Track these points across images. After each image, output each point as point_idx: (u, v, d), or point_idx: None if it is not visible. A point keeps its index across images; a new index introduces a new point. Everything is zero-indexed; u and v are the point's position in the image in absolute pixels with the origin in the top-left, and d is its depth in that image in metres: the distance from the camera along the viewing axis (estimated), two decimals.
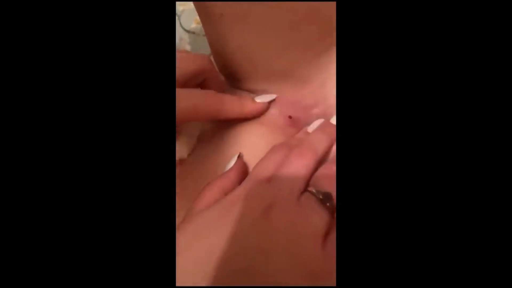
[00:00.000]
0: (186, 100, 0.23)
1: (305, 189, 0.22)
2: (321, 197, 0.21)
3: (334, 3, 0.20)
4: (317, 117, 0.28)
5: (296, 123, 0.29)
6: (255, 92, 0.30)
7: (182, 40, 0.61)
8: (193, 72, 0.24)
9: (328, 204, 0.21)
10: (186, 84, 0.24)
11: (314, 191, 0.21)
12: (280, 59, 0.26)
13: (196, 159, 0.29)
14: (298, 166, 0.23)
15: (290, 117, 0.29)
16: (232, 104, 0.26)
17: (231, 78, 0.31)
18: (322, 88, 0.28)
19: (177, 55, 0.24)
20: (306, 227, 0.19)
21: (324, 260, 0.18)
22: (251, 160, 0.26)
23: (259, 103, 0.27)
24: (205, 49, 0.59)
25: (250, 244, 0.18)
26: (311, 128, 0.27)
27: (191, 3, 0.62)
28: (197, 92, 0.25)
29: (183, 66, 0.24)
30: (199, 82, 0.26)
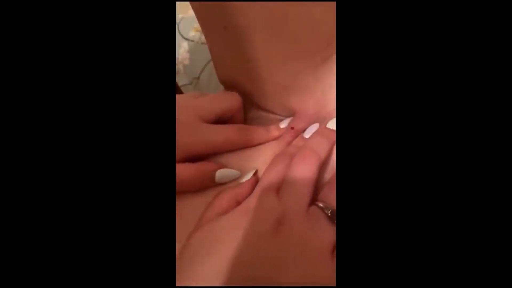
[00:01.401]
0: (220, 134, 0.26)
1: (313, 195, 0.22)
2: (329, 214, 0.21)
3: (334, 14, 0.20)
4: (318, 122, 0.28)
5: (298, 133, 0.29)
6: (260, 107, 0.31)
7: (181, 47, 0.61)
8: (225, 109, 0.28)
9: (336, 221, 0.20)
10: (219, 118, 0.28)
11: (322, 205, 0.21)
12: (283, 72, 0.26)
13: None
14: (302, 171, 0.23)
15: (292, 128, 0.29)
16: (260, 134, 0.28)
17: (234, 91, 0.31)
18: (324, 96, 0.28)
19: (212, 95, 0.29)
20: (316, 242, 0.20)
21: (334, 272, 0.18)
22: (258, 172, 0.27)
23: (282, 128, 0.29)
24: (204, 57, 0.59)
25: (265, 255, 0.19)
26: (307, 133, 0.28)
27: (190, 11, 0.62)
28: (229, 127, 0.27)
29: (218, 105, 0.28)
30: (229, 116, 0.29)
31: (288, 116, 0.30)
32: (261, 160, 0.27)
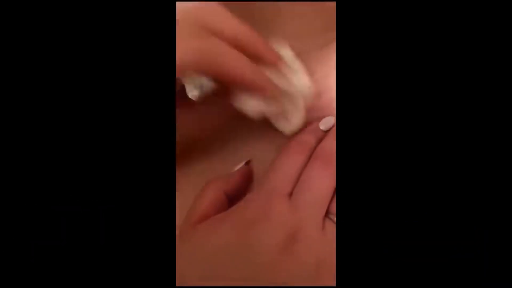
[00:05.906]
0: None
1: (328, 211, 0.20)
2: None
3: None
4: (320, 109, 0.27)
5: None
6: None
7: None
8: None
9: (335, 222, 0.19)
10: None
11: None
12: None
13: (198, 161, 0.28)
14: (323, 183, 0.20)
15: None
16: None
17: None
18: (325, 80, 0.27)
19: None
20: (331, 260, 0.18)
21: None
22: (258, 161, 0.25)
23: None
24: None
25: (273, 278, 0.17)
26: (323, 125, 0.25)
27: None
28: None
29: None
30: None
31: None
32: (257, 148, 0.25)
